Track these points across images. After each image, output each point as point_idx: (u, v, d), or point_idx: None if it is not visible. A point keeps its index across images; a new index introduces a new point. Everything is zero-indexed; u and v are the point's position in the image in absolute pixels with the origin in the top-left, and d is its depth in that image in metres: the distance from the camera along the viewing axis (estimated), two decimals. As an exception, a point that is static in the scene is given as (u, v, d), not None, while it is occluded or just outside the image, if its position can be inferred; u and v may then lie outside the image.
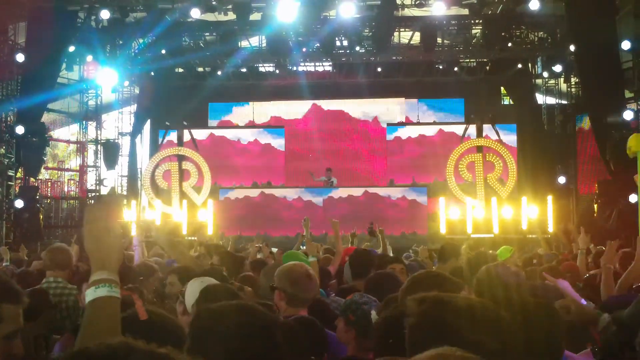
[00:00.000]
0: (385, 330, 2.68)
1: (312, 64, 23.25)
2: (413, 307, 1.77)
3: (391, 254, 8.17)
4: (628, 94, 18.44)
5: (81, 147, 23.55)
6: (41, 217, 19.32)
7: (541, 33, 21.15)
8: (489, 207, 19.96)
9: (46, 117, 20.31)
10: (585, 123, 19.81)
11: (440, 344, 1.51)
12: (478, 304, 1.72)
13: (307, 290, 3.85)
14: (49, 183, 23.29)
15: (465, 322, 1.63)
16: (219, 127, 23.45)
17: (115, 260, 2.03)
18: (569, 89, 22.27)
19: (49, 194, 22.62)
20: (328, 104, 23.13)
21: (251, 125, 23.39)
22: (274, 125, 23.13)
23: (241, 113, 23.66)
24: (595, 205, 17.97)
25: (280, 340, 2.15)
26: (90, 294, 1.97)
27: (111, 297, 1.97)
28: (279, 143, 22.68)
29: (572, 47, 19.10)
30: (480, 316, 1.65)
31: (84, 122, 23.34)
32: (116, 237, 2.04)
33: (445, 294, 1.78)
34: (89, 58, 20.44)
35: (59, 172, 25.30)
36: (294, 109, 23.22)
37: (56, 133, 25.63)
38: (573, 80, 21.70)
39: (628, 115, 16.94)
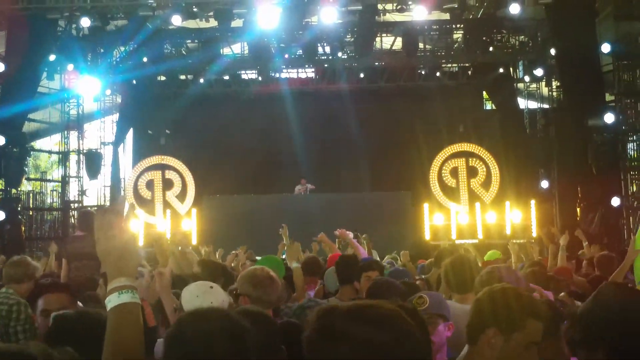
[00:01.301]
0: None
1: (295, 70, 23.24)
2: (310, 318, 1.76)
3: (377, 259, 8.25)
4: (609, 97, 18.57)
5: (63, 158, 23.35)
6: (23, 228, 19.15)
7: (522, 37, 21.27)
8: (473, 212, 20.04)
9: (27, 127, 20.11)
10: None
11: (331, 349, 1.54)
12: (365, 305, 1.69)
13: (270, 292, 3.94)
14: (31, 194, 23.05)
15: (352, 325, 1.60)
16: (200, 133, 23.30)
17: (133, 266, 2.07)
18: (550, 93, 22.41)
19: (31, 205, 22.39)
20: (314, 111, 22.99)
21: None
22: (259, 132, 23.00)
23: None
24: (578, 209, 18.06)
25: (250, 347, 2.14)
26: (113, 300, 2.00)
27: (135, 303, 2.01)
28: (262, 150, 22.54)
29: (552, 51, 19.23)
30: (367, 316, 1.62)
31: (65, 131, 23.14)
32: (131, 243, 2.07)
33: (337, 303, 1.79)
34: (70, 67, 20.26)
35: (41, 183, 25.07)
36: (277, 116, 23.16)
37: (38, 143, 25.42)
38: (554, 84, 21.83)
39: (609, 118, 17.05)
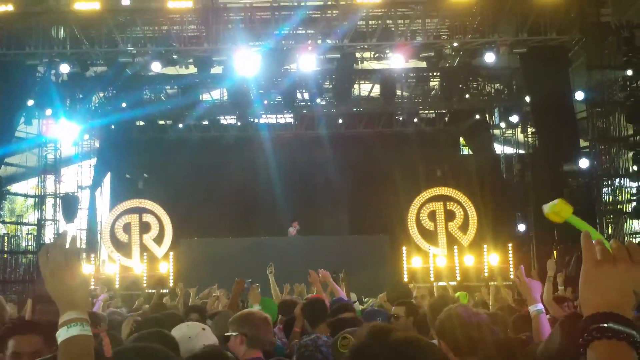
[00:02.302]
0: None
1: (274, 116, 23.41)
2: (357, 337, 1.83)
3: (355, 301, 8.30)
4: (583, 143, 18.91)
5: (39, 201, 23.17)
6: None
7: (497, 85, 21.70)
8: (451, 255, 20.12)
9: (3, 171, 20.00)
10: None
11: None
12: (413, 339, 1.76)
13: (266, 332, 4.08)
14: (6, 237, 22.78)
15: (396, 354, 1.66)
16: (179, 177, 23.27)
17: (83, 298, 2.05)
18: (525, 139, 22.75)
19: (6, 249, 22.11)
20: (291, 158, 23.11)
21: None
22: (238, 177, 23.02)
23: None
24: (555, 252, 18.21)
25: None
26: (62, 334, 1.97)
27: (84, 336, 1.98)
28: (239, 194, 22.52)
29: (527, 98, 19.62)
30: (412, 351, 1.68)
31: (42, 175, 23.01)
32: (79, 277, 2.05)
33: (386, 327, 1.84)
34: (48, 112, 20.24)
35: (17, 226, 24.80)
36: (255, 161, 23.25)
37: (14, 187, 25.21)
38: (530, 130, 22.17)
39: (584, 163, 17.35)
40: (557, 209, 1.68)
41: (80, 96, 20.07)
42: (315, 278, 8.03)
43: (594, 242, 1.56)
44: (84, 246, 23.13)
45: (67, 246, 2.06)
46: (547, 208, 1.69)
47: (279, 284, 9.84)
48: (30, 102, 19.34)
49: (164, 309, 7.68)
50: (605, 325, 1.46)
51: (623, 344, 1.44)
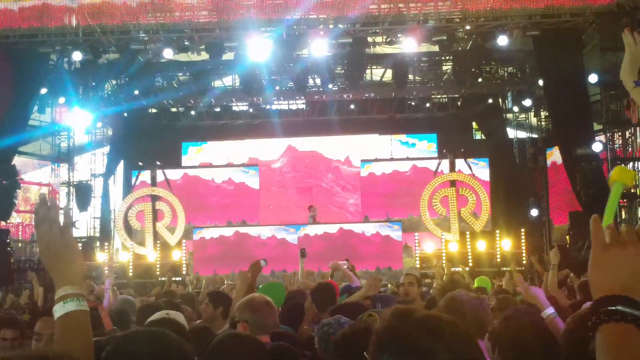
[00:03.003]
0: (344, 346, 3.02)
1: (286, 102, 23.40)
2: (381, 320, 1.86)
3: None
4: (597, 126, 18.79)
5: (53, 190, 23.29)
6: (12, 260, 19.02)
7: (510, 68, 21.55)
8: (464, 241, 20.09)
9: (17, 160, 20.09)
10: (556, 156, 20.08)
11: (397, 352, 1.61)
12: (435, 316, 1.77)
13: (268, 316, 4.05)
14: (20, 226, 22.95)
15: (420, 331, 1.67)
16: (192, 166, 23.37)
17: (79, 273, 2.05)
18: (539, 123, 22.63)
19: (20, 237, 22.29)
20: (302, 143, 23.21)
21: (225, 164, 23.33)
22: (248, 164, 23.11)
23: (215, 152, 23.64)
24: (567, 237, 18.15)
25: None
26: (58, 309, 1.97)
27: (81, 311, 1.98)
28: (253, 182, 22.62)
29: (540, 82, 19.47)
30: (435, 326, 1.69)
31: (56, 164, 23.13)
32: (75, 251, 2.05)
33: (408, 308, 1.83)
34: (61, 100, 20.32)
35: (31, 215, 24.94)
36: (269, 149, 23.28)
37: (28, 176, 25.35)
38: (543, 114, 22.05)
39: (597, 147, 17.25)
40: (622, 174, 1.69)
41: (93, 84, 20.09)
42: (337, 265, 8.07)
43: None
44: (97, 234, 23.29)
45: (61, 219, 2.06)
46: (616, 169, 1.70)
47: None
48: (44, 91, 19.40)
49: (173, 296, 7.70)
50: (614, 308, 1.47)
51: (631, 326, 1.45)
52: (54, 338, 1.98)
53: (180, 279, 17.96)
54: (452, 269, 15.21)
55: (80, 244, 18.95)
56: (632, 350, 1.44)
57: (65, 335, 1.96)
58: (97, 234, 23.35)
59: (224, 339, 3.01)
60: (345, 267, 8.57)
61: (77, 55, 18.29)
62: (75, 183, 23.19)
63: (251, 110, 22.92)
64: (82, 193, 22.65)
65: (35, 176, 26.14)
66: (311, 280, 9.08)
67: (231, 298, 5.78)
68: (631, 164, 18.58)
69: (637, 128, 18.40)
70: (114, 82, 21.21)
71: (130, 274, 19.89)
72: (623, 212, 17.94)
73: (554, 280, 7.05)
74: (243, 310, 4.06)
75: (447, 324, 1.73)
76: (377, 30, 18.23)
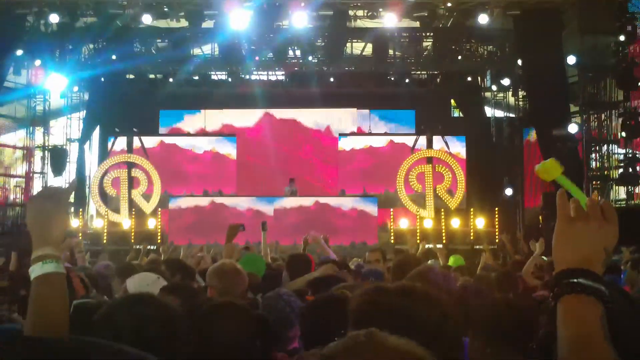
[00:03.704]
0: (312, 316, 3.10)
1: (265, 72, 23.26)
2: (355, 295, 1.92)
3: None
4: (573, 108, 18.94)
5: (28, 154, 23.05)
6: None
7: (490, 47, 21.57)
8: (438, 217, 20.26)
9: (-8, 122, 19.90)
10: (532, 136, 20.23)
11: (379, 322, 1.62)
12: (409, 285, 1.86)
13: (235, 284, 4.08)
14: (-6, 189, 22.76)
15: (399, 300, 1.76)
16: (169, 134, 23.22)
17: (59, 236, 2.03)
18: (516, 103, 22.74)
19: (-7, 200, 22.11)
20: (280, 113, 23.17)
21: (202, 133, 23.21)
22: (226, 134, 23.01)
23: (192, 121, 23.48)
24: (540, 217, 18.36)
25: (180, 331, 2.23)
26: (36, 269, 1.95)
27: (59, 273, 1.97)
28: (230, 151, 22.56)
29: (519, 62, 19.55)
30: (411, 291, 1.80)
31: (31, 127, 22.85)
32: (63, 214, 2.05)
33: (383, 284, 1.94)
34: (37, 62, 20.05)
35: (5, 179, 24.71)
36: (246, 118, 23.16)
37: (2, 138, 25.05)
38: (521, 94, 22.16)
39: (573, 128, 17.41)
40: (547, 167, 1.70)
41: (70, 47, 19.79)
42: (315, 238, 8.07)
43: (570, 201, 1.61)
44: (72, 200, 23.13)
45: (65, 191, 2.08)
46: (538, 166, 1.72)
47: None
48: (19, 52, 19.13)
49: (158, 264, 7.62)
50: (575, 280, 1.51)
51: (591, 298, 1.50)
52: (30, 300, 1.95)
53: (154, 247, 17.95)
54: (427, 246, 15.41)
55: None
56: (591, 320, 1.49)
57: (41, 297, 1.94)
58: (72, 200, 23.17)
59: (215, 307, 3.03)
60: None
61: (54, 18, 18.02)
62: (50, 147, 22.94)
63: (230, 79, 22.75)
64: (57, 158, 22.42)
65: (10, 139, 25.86)
66: (272, 251, 9.15)
67: (188, 267, 5.76)
68: (605, 146, 18.80)
69: (613, 111, 18.56)
70: (91, 46, 20.91)
71: (105, 241, 19.84)
72: (596, 194, 18.17)
73: (530, 267, 7.36)
74: (212, 276, 4.15)
75: (421, 292, 1.79)
76: (359, 4, 18.14)
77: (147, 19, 17.99)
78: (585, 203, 1.61)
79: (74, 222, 20.15)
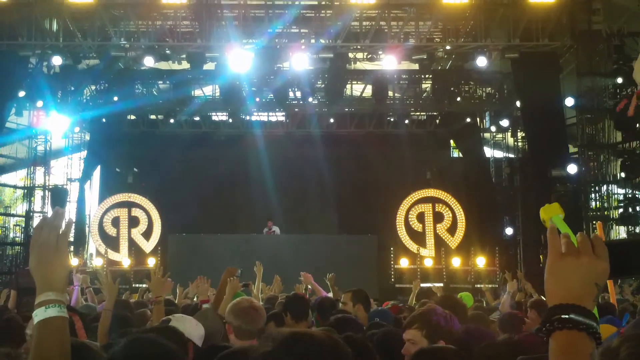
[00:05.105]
0: None
1: (266, 113, 23.42)
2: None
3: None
4: (572, 149, 19.05)
5: (28, 193, 23.09)
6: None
7: (489, 89, 21.79)
8: (439, 257, 20.23)
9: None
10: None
11: None
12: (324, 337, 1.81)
13: (252, 321, 3.96)
14: (-6, 228, 22.77)
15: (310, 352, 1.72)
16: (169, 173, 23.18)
17: (63, 280, 2.06)
18: (515, 143, 22.85)
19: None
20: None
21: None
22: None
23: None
24: (541, 256, 18.33)
25: None
26: (39, 314, 1.99)
27: (61, 317, 2.00)
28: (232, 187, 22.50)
29: (518, 103, 19.73)
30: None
31: (32, 167, 22.93)
32: (64, 258, 2.07)
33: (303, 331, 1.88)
34: (39, 103, 20.20)
35: (4, 218, 24.73)
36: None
37: (2, 178, 25.13)
38: (519, 134, 22.28)
39: (572, 169, 17.49)
40: (548, 209, 1.70)
41: (72, 88, 19.99)
42: (308, 279, 8.05)
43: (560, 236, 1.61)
44: (71, 239, 23.09)
45: (62, 229, 2.08)
46: (542, 208, 1.72)
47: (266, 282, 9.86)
48: (22, 94, 19.28)
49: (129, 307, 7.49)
50: (567, 316, 1.51)
51: (583, 334, 1.50)
52: (32, 343, 1.99)
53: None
54: (426, 285, 15.33)
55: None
56: (582, 357, 1.50)
57: (44, 340, 1.97)
58: (72, 239, 23.13)
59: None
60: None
61: (56, 60, 18.24)
62: (50, 187, 23.00)
63: (231, 120, 22.89)
64: (58, 197, 22.44)
65: (11, 179, 25.94)
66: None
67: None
68: (605, 187, 18.87)
69: (610, 151, 18.69)
70: (93, 87, 21.12)
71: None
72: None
73: (506, 304, 7.54)
74: (228, 313, 4.08)
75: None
76: (358, 47, 18.38)
77: (149, 62, 18.19)
78: (565, 233, 1.61)
79: (73, 261, 20.08)
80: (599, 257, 1.57)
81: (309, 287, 8.36)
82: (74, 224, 22.30)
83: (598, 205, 18.90)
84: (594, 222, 18.49)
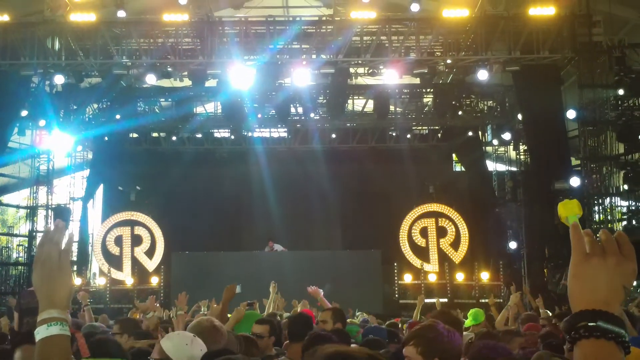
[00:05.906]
0: None
1: (268, 130, 23.45)
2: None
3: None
4: (575, 161, 19.01)
5: (31, 212, 23.07)
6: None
7: (490, 102, 21.81)
8: (442, 272, 20.15)
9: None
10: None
11: None
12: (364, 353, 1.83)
13: (214, 341, 3.96)
14: (-3, 249, 22.71)
15: None
16: (173, 191, 23.19)
17: (66, 298, 2.05)
18: (518, 156, 22.81)
19: (-2, 260, 22.03)
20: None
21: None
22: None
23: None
24: (545, 270, 18.26)
25: None
26: (41, 331, 1.98)
27: (63, 336, 1.99)
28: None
29: (520, 116, 19.73)
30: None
31: (34, 186, 22.92)
32: (67, 276, 2.05)
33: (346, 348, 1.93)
34: (42, 123, 20.23)
35: (8, 238, 24.71)
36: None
37: (5, 198, 25.12)
38: (522, 147, 22.24)
39: (575, 181, 17.44)
40: (568, 205, 1.58)
41: (74, 107, 20.04)
42: (316, 293, 8.00)
43: (583, 232, 1.50)
44: (74, 258, 23.04)
45: (64, 244, 2.07)
46: (561, 203, 1.59)
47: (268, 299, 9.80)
48: (24, 113, 19.33)
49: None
50: (594, 324, 1.41)
51: (611, 343, 1.41)
52: None
53: (157, 305, 17.80)
54: (430, 300, 15.27)
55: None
56: None
57: (45, 358, 1.96)
58: (75, 258, 23.09)
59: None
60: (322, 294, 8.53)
61: (59, 79, 18.31)
62: (53, 206, 22.98)
63: (233, 137, 22.92)
64: (61, 216, 22.41)
65: (14, 198, 25.94)
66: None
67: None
68: (608, 199, 18.81)
69: (613, 163, 18.65)
70: (95, 105, 21.18)
71: (107, 299, 19.72)
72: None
73: (503, 318, 7.63)
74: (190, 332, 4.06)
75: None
76: (360, 62, 18.43)
77: (151, 79, 18.25)
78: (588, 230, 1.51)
79: (76, 280, 20.04)
80: (627, 257, 1.47)
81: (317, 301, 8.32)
82: (76, 242, 22.47)
83: (602, 218, 18.81)
84: (598, 234, 18.39)
